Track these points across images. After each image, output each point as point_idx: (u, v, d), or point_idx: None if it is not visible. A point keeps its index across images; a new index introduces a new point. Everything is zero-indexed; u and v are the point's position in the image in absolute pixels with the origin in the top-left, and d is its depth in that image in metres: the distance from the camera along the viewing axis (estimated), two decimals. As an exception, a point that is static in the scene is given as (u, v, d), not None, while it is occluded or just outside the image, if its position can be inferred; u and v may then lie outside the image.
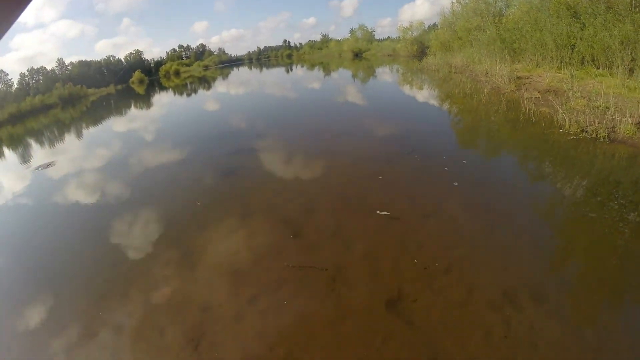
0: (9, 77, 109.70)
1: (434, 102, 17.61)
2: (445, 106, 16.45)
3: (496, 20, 30.37)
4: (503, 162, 9.21)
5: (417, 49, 54.33)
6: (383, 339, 3.93)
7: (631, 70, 15.38)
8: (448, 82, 23.13)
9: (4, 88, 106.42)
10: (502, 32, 26.21)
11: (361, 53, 77.03)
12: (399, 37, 62.71)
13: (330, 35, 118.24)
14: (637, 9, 16.21)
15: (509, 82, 19.13)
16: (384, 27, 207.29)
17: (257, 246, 5.86)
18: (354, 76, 35.55)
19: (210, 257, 5.80)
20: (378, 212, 6.38)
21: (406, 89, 22.70)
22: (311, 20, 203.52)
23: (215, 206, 7.58)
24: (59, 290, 5.94)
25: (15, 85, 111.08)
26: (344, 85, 28.55)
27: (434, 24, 55.70)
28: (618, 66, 15.81)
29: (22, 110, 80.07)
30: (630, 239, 5.57)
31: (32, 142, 28.30)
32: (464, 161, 8.55)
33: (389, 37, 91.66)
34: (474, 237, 5.55)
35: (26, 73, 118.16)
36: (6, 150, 27.24)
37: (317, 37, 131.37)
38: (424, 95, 19.78)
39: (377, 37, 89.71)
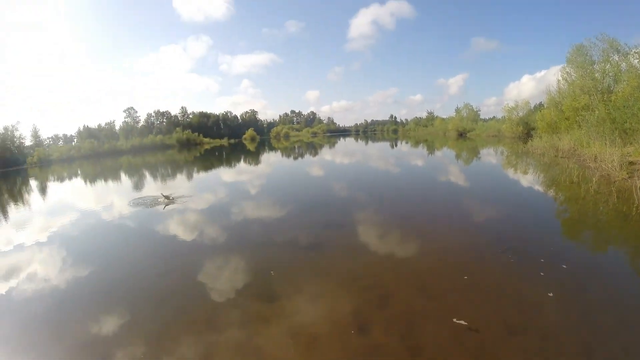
0: (138, 115, 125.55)
1: (537, 188, 16.08)
2: (550, 194, 14.89)
3: (605, 98, 28.30)
4: (609, 266, 7.72)
5: (523, 130, 52.12)
6: None
7: None
8: (553, 168, 21.33)
9: (132, 122, 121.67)
10: (611, 111, 24.11)
11: (465, 133, 76.13)
12: (504, 117, 60.86)
13: (436, 113, 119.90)
14: None
15: (619, 168, 17.24)
16: (489, 107, 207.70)
17: (318, 334, 5.30)
18: (458, 156, 34.60)
19: (267, 335, 5.46)
20: (455, 320, 5.56)
21: (510, 173, 21.39)
22: (418, 97, 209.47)
23: (288, 280, 7.24)
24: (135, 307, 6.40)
25: (141, 123, 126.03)
26: (447, 164, 27.75)
27: (540, 103, 53.73)
28: None
29: (144, 145, 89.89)
30: None
31: (147, 174, 31.19)
32: (564, 266, 7.51)
33: (494, 117, 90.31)
34: (564, 363, 4.69)
35: (152, 114, 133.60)
36: (123, 177, 30.23)
37: (423, 114, 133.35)
38: (528, 180, 18.24)
39: (482, 116, 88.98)
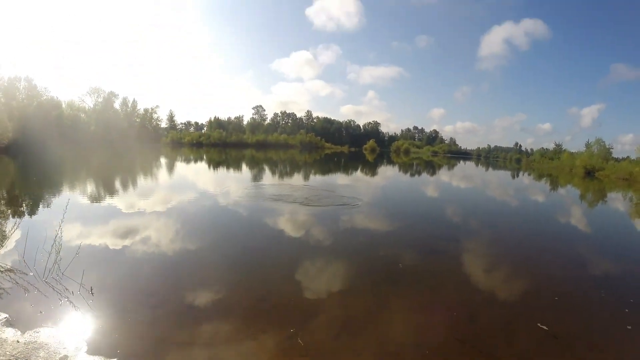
0: (265, 113, 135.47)
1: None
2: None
3: None
4: None
5: (659, 175, 45.64)
6: None
7: None
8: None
9: (259, 119, 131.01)
10: None
11: (594, 171, 67.96)
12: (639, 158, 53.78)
13: (565, 146, 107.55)
14: None
15: None
16: (624, 145, 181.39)
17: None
18: (582, 197, 30.86)
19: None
20: (539, 324, 6.01)
21: (637, 223, 18.46)
22: (546, 126, 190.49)
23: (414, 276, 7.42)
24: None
25: (267, 121, 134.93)
26: (569, 204, 24.87)
27: (685, 146, 46.83)
28: None
29: (268, 141, 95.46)
30: None
31: (266, 168, 32.37)
32: None
33: (628, 157, 79.57)
34: None
35: (279, 114, 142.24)
36: (244, 167, 31.89)
37: (550, 145, 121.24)
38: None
39: (614, 154, 78.04)
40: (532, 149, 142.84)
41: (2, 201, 13.47)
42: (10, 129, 50.83)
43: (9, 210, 11.69)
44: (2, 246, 7.17)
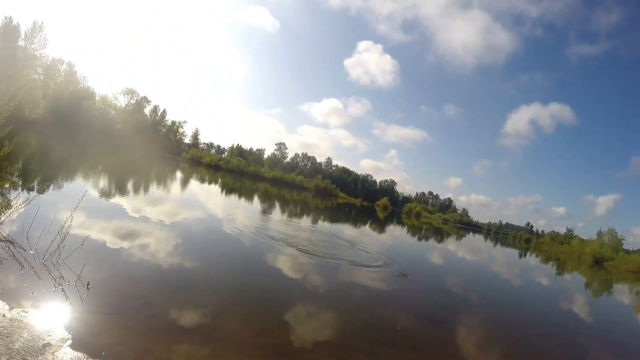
0: (287, 151, 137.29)
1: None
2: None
3: None
4: None
5: (670, 271, 44.42)
6: None
7: None
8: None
9: (280, 156, 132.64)
10: None
11: (602, 261, 65.79)
12: (652, 252, 52.34)
13: (576, 232, 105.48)
14: None
15: None
16: (637, 237, 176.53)
17: None
18: (587, 285, 30.03)
19: None
20: None
21: None
22: (561, 210, 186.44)
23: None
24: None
25: (287, 159, 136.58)
26: (573, 291, 24.33)
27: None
28: None
29: (284, 179, 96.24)
30: None
31: (277, 204, 32.44)
32: None
33: (639, 249, 77.60)
34: None
35: (299, 155, 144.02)
36: (255, 200, 32.02)
37: (562, 230, 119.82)
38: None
39: (625, 246, 76.05)
40: (543, 231, 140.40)
41: (17, 172, 13.54)
42: (42, 106, 52.05)
43: (20, 182, 11.79)
44: (7, 215, 7.09)
